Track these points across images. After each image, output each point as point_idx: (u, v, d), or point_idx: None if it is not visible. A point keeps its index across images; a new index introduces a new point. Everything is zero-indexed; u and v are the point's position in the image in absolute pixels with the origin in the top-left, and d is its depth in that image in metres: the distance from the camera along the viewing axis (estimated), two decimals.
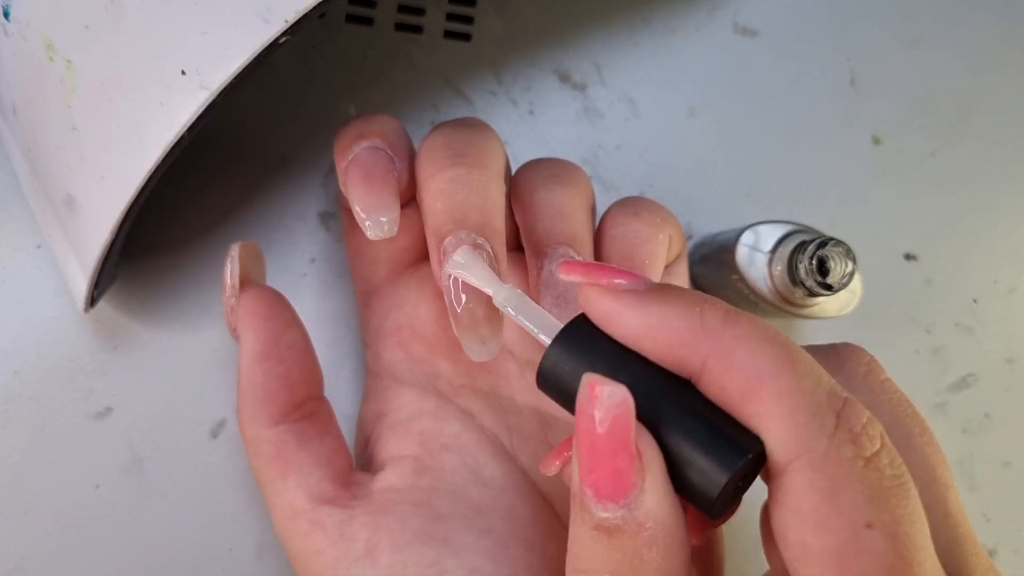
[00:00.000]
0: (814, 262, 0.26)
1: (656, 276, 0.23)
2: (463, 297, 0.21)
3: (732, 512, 0.18)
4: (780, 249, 0.27)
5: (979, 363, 0.34)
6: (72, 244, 0.24)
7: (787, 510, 0.16)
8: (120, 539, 0.27)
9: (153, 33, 0.20)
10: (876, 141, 0.34)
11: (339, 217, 0.30)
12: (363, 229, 0.22)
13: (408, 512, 0.22)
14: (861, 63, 0.34)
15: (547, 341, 0.19)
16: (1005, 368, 0.34)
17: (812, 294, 0.27)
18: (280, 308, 0.23)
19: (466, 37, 0.31)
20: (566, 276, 0.18)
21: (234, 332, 0.22)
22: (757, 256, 0.28)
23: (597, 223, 0.25)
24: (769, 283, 0.28)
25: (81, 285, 0.24)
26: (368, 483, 0.23)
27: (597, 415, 0.16)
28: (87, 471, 0.27)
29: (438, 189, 0.22)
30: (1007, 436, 0.33)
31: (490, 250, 0.21)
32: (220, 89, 0.20)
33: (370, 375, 0.27)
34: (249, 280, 0.23)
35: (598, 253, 0.24)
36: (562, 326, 0.19)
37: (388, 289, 0.26)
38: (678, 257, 0.26)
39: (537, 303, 0.21)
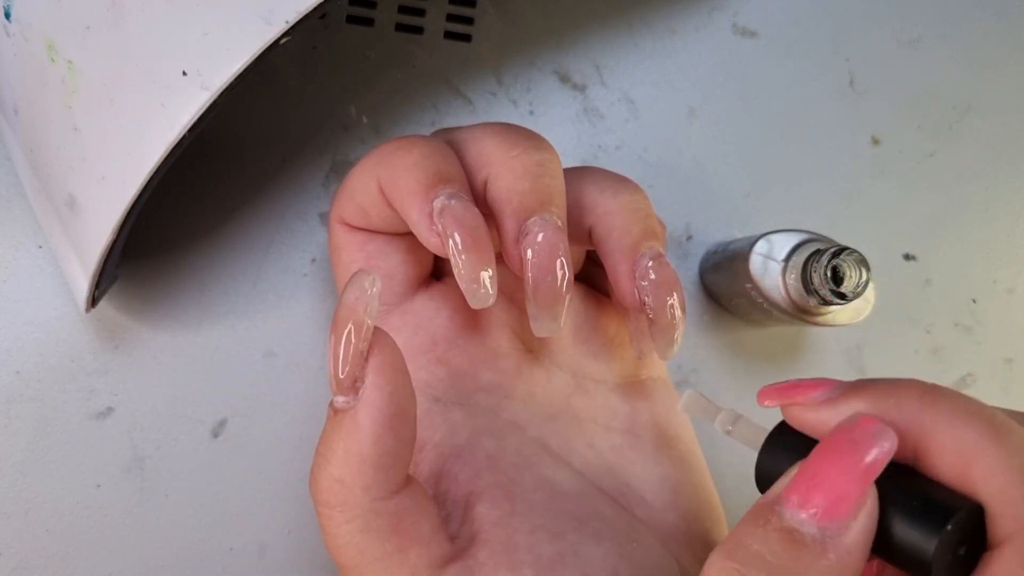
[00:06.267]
0: (828, 271, 0.26)
1: (665, 239, 0.25)
2: (549, 275, 0.21)
3: None
4: (794, 258, 0.27)
5: (978, 363, 0.34)
6: (74, 244, 0.24)
7: None
8: (121, 538, 0.27)
9: (154, 34, 0.20)
10: (875, 141, 0.34)
11: None
12: (468, 297, 0.21)
13: (530, 540, 0.21)
14: (860, 64, 0.34)
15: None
16: (1004, 368, 0.34)
17: (826, 303, 0.27)
18: (403, 360, 0.19)
19: (466, 38, 0.31)
20: (768, 403, 0.20)
21: (352, 384, 0.19)
22: (771, 265, 0.28)
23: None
24: (783, 292, 0.28)
25: (83, 285, 0.24)
26: (462, 528, 0.21)
27: (858, 438, 0.16)
28: (89, 471, 0.27)
29: (524, 169, 0.22)
30: None
31: (566, 235, 0.22)
32: (221, 90, 0.20)
33: None
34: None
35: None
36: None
37: (410, 306, 0.25)
38: None
39: (636, 304, 0.23)
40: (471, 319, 0.25)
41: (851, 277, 0.26)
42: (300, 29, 0.20)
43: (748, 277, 0.28)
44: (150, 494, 0.28)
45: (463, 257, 0.21)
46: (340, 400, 0.19)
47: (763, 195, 0.33)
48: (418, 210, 0.21)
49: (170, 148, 0.20)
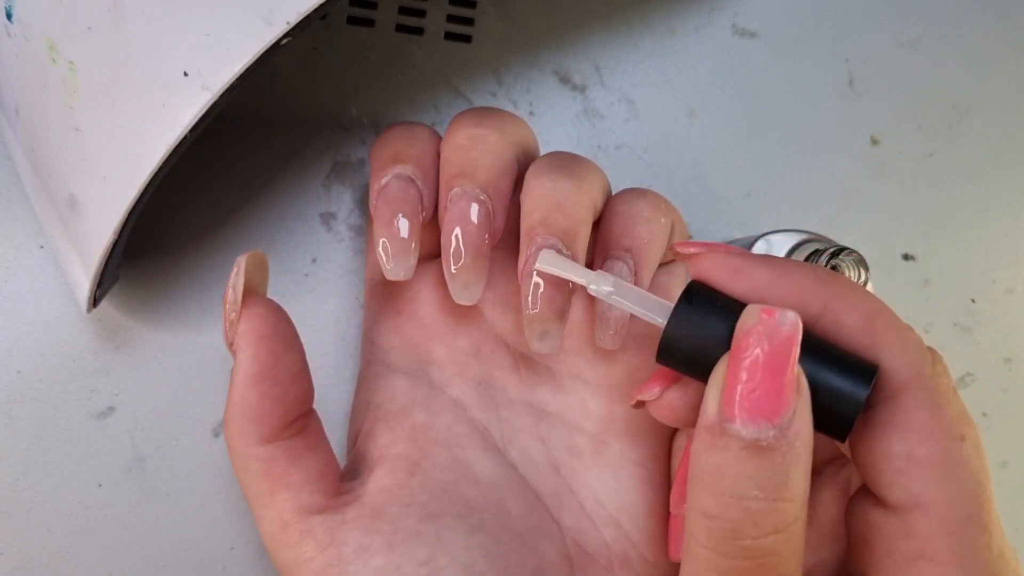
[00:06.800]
0: None
1: (653, 258, 0.24)
2: (455, 240, 0.22)
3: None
4: (793, 258, 0.28)
5: (977, 363, 0.34)
6: (75, 244, 0.24)
7: (895, 428, 0.18)
8: (122, 538, 0.27)
9: (155, 34, 0.21)
10: (874, 142, 0.34)
11: (339, 218, 0.30)
12: (382, 268, 0.23)
13: (399, 512, 0.22)
14: (860, 64, 0.34)
15: (655, 318, 0.20)
16: (1003, 368, 0.34)
17: None
18: (281, 327, 0.22)
19: (467, 39, 0.31)
20: (683, 250, 0.21)
21: (231, 346, 0.21)
22: None
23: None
24: None
25: (84, 285, 0.24)
26: (358, 487, 0.23)
27: (768, 334, 0.17)
28: (90, 470, 0.28)
29: (456, 144, 0.23)
30: (1005, 436, 0.34)
31: (490, 207, 0.22)
32: (222, 90, 0.20)
33: (363, 364, 0.26)
34: (252, 292, 0.22)
35: (600, 231, 0.24)
36: (665, 302, 0.20)
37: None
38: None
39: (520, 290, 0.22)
40: (438, 297, 0.25)
41: (850, 277, 0.26)
42: (301, 30, 0.20)
43: None
44: (151, 493, 0.28)
45: (378, 230, 0.23)
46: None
47: (763, 195, 0.33)
48: (372, 187, 0.24)
49: (171, 149, 0.20)
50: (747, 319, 0.18)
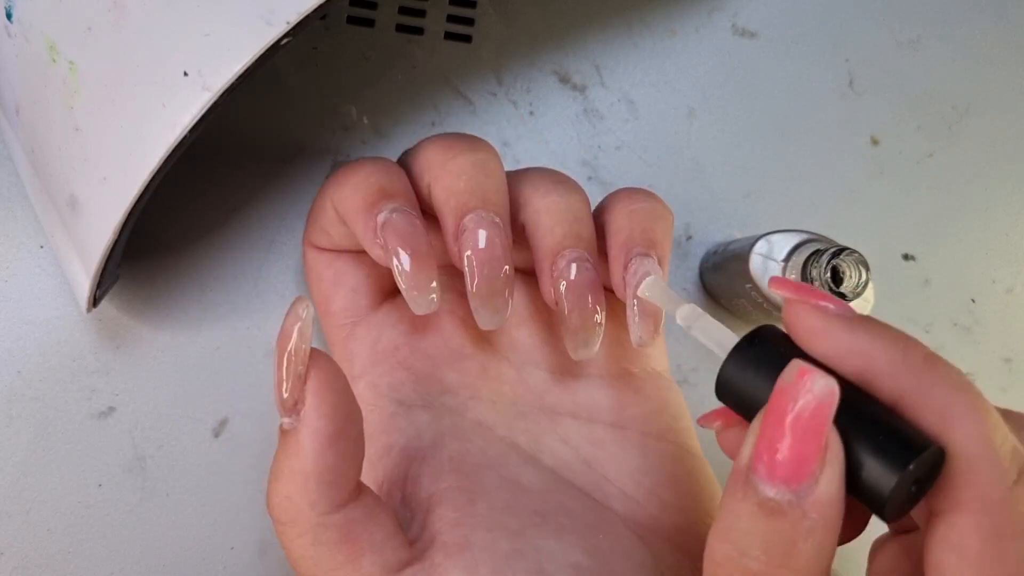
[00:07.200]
0: (828, 271, 0.26)
1: (668, 255, 0.24)
2: (485, 269, 0.22)
3: (904, 514, 0.17)
4: (794, 258, 0.28)
5: (977, 363, 0.34)
6: (75, 244, 0.24)
7: (948, 548, 0.16)
8: (123, 538, 0.27)
9: (155, 34, 0.21)
10: (874, 142, 0.34)
11: None
12: (410, 304, 0.22)
13: (487, 539, 0.21)
14: (859, 64, 0.34)
15: (721, 354, 0.20)
16: (1003, 368, 0.34)
17: None
18: (345, 379, 0.20)
19: (467, 39, 0.31)
20: (777, 290, 0.19)
21: (293, 406, 0.19)
22: (771, 265, 0.28)
23: (605, 206, 0.25)
24: None
25: (84, 285, 0.24)
26: (423, 532, 0.22)
27: (801, 398, 0.16)
28: (90, 470, 0.28)
29: (460, 169, 0.23)
30: None
31: (508, 232, 0.23)
32: (222, 90, 0.20)
33: (364, 412, 0.25)
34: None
35: (611, 229, 0.24)
36: (737, 337, 0.19)
37: (374, 316, 0.26)
38: None
39: (552, 302, 0.23)
40: (433, 325, 0.26)
41: (851, 277, 0.26)
42: (301, 30, 0.20)
43: (748, 277, 0.28)
44: (151, 493, 0.28)
45: (403, 266, 0.22)
46: (285, 421, 0.19)
47: (763, 195, 0.33)
48: (363, 225, 0.23)
49: (171, 148, 0.20)
50: (787, 375, 0.17)
